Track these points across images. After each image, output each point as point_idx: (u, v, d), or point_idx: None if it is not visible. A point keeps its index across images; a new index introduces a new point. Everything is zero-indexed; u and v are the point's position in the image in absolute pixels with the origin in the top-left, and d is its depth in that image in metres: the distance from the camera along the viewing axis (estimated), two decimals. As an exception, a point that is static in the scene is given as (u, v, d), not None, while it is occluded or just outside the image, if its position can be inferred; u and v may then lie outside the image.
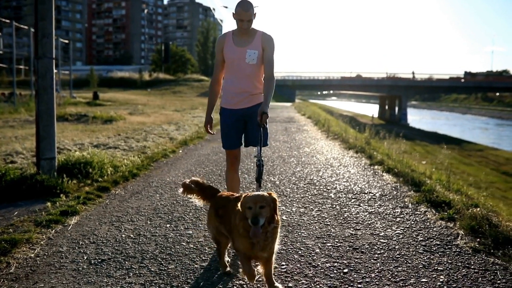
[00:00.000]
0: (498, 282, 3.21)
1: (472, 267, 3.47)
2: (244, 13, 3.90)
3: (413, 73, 65.66)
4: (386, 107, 65.34)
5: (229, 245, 3.35)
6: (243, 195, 2.89)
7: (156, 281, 3.22)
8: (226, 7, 63.88)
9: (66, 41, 27.63)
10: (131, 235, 4.18)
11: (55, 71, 6.27)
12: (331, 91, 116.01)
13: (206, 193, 3.48)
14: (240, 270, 3.13)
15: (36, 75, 6.00)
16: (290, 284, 3.19)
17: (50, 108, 6.05)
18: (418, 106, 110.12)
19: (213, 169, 7.57)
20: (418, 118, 67.32)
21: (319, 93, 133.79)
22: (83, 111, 17.20)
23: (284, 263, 3.54)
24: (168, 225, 4.49)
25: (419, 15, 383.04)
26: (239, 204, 2.88)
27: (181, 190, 3.56)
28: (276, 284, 3.03)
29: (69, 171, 6.12)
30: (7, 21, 18.09)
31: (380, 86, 62.00)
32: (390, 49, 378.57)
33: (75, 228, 4.37)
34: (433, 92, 70.17)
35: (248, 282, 3.13)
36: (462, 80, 67.24)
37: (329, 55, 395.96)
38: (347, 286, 3.16)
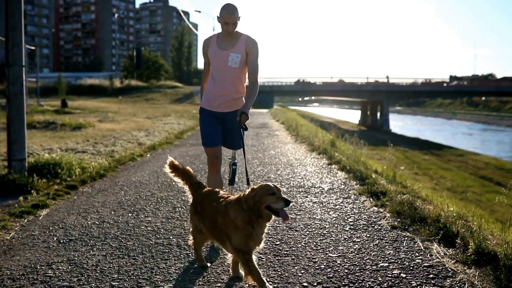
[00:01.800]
0: (401, 248, 4.11)
1: (385, 239, 4.37)
2: (229, 16, 4.14)
3: (387, 77, 66.52)
4: (368, 112, 66.79)
5: (208, 242, 3.84)
6: (255, 186, 3.13)
7: (116, 253, 4.04)
8: (199, 12, 64.92)
9: (33, 48, 28.12)
10: (96, 222, 4.99)
11: (23, 78, 7.03)
12: (313, 97, 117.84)
13: (192, 188, 3.77)
14: (242, 273, 3.36)
15: (7, 82, 6.76)
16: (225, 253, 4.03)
17: (21, 113, 6.82)
18: (403, 111, 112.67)
19: (178, 170, 8.36)
20: (401, 124, 69.14)
21: (300, 99, 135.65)
22: (51, 118, 17.80)
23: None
24: (130, 214, 5.30)
25: (404, 19, 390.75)
26: (248, 196, 3.08)
27: (168, 168, 3.87)
28: (241, 271, 3.42)
29: (39, 171, 6.89)
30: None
31: (362, 91, 63.36)
32: (374, 55, 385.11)
33: (45, 218, 5.15)
34: (416, 96, 72.22)
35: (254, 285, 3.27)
36: (445, 84, 69.22)
37: (310, 61, 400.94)
38: (275, 253, 4.03)
